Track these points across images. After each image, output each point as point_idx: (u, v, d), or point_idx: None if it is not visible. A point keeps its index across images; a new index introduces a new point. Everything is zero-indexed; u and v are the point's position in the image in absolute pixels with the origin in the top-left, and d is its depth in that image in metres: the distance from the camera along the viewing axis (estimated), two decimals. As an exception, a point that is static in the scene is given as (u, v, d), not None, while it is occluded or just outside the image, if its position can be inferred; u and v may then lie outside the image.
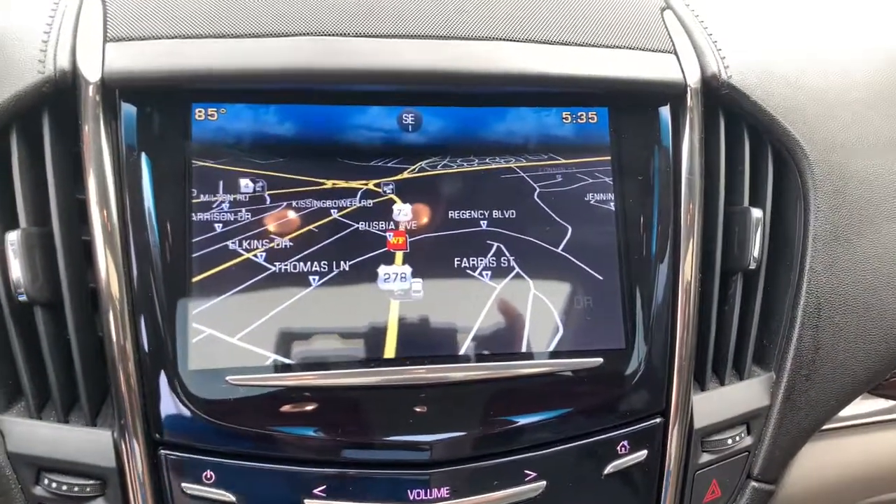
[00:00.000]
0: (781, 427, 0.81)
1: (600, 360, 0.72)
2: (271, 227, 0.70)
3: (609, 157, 0.76)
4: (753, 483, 0.82)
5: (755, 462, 0.81)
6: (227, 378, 0.66)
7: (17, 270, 0.65)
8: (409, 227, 0.72)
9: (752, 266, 0.79)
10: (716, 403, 0.78)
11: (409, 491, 0.67)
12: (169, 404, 0.66)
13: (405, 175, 0.73)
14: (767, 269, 0.81)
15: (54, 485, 0.67)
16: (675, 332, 0.75)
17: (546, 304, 0.73)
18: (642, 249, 0.75)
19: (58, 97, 0.67)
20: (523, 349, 0.71)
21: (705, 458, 0.78)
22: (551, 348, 0.71)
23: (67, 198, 0.69)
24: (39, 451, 0.67)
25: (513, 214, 0.74)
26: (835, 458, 0.90)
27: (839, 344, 0.81)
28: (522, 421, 0.70)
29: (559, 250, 0.74)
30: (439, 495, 0.68)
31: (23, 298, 0.66)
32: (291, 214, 0.71)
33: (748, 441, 0.80)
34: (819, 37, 0.91)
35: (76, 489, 0.67)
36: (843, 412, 0.89)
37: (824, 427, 0.86)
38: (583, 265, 0.74)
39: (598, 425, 0.72)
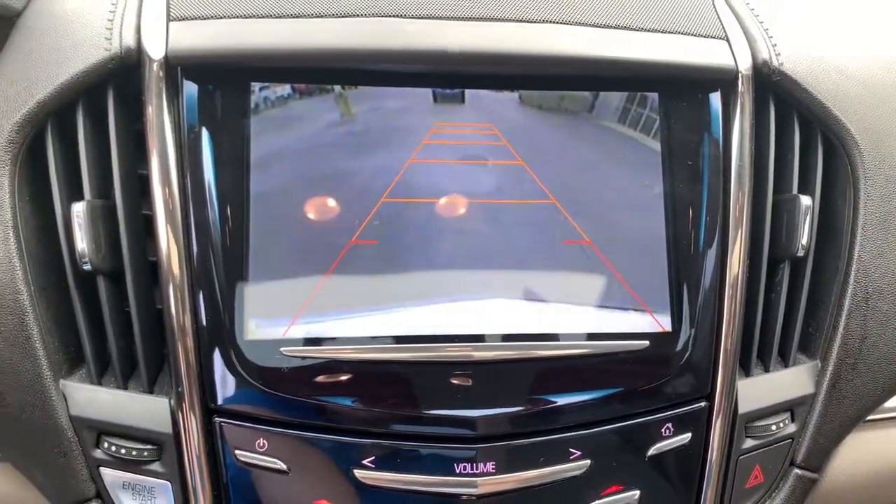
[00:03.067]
0: (826, 415, 0.80)
1: (646, 342, 0.72)
2: (328, 204, 0.71)
3: (659, 143, 0.76)
4: (797, 470, 0.82)
5: (799, 449, 0.81)
6: (282, 349, 0.68)
7: (81, 241, 0.68)
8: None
9: (800, 254, 0.79)
10: (760, 389, 0.79)
11: (455, 464, 0.69)
12: (224, 374, 0.68)
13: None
14: (815, 257, 0.81)
15: (113, 448, 0.69)
16: (721, 317, 0.75)
17: (594, 285, 0.73)
18: (690, 235, 0.75)
19: (123, 74, 0.70)
20: (570, 330, 0.72)
21: (749, 443, 0.78)
22: (598, 330, 0.72)
23: (130, 172, 0.71)
24: (100, 415, 0.69)
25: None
26: (880, 449, 0.89)
27: (886, 333, 0.80)
28: (568, 400, 0.71)
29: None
30: (485, 469, 0.69)
31: (87, 268, 0.68)
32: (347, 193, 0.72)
33: (792, 428, 0.80)
34: (869, 25, 0.90)
35: (134, 453, 0.69)
36: (890, 402, 0.89)
37: (870, 417, 0.86)
38: (631, 250, 0.74)
39: (643, 407, 0.73)
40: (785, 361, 0.81)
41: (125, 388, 0.71)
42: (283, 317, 0.69)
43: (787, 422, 0.80)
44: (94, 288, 0.70)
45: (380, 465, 0.68)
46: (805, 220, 0.78)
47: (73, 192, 0.70)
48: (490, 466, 0.69)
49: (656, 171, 0.76)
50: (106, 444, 0.69)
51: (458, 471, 0.69)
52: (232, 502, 0.69)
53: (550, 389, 0.71)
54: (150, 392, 0.71)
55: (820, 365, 0.81)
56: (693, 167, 0.76)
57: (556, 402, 0.71)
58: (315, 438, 0.68)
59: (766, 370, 0.80)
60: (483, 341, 0.70)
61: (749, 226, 0.76)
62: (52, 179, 0.69)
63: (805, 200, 0.78)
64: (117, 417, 0.69)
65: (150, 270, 0.72)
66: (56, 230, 0.70)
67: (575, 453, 0.71)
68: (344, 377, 0.68)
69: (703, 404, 0.75)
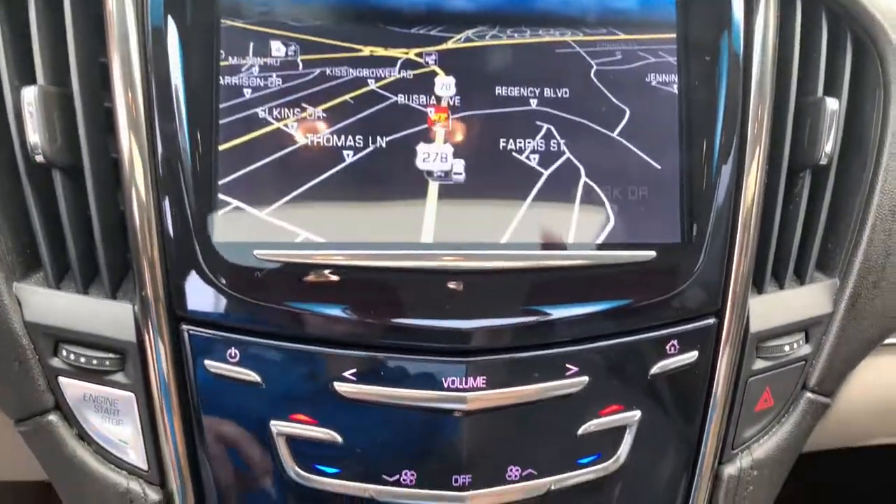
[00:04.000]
0: (843, 336, 0.75)
1: (653, 253, 0.66)
2: (303, 95, 0.65)
3: (674, 35, 0.69)
4: (808, 394, 0.77)
5: (812, 372, 0.76)
6: (255, 252, 0.62)
7: (34, 130, 0.61)
8: (451, 103, 0.66)
9: (823, 161, 0.72)
10: (774, 308, 0.73)
11: (443, 379, 0.63)
12: (192, 278, 0.62)
13: (450, 45, 0.67)
14: (838, 166, 0.74)
15: (72, 356, 0.64)
16: (735, 229, 0.69)
17: (597, 193, 0.67)
18: (706, 139, 0.68)
19: None
20: (570, 239, 0.66)
21: (759, 364, 0.73)
22: (601, 240, 0.66)
23: (89, 59, 0.64)
24: (57, 321, 0.64)
25: (566, 93, 0.68)
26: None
27: (913, 249, 0.74)
28: (566, 313, 0.65)
29: (615, 135, 0.68)
30: (475, 384, 0.64)
31: (40, 159, 0.62)
32: (325, 83, 0.66)
33: (806, 350, 0.75)
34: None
35: (94, 362, 0.64)
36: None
37: (888, 341, 0.81)
38: (640, 152, 0.68)
39: (647, 323, 0.67)
40: (801, 279, 0.76)
41: (85, 292, 0.65)
42: (257, 217, 0.63)
43: (800, 343, 0.74)
44: (50, 183, 0.64)
45: (361, 379, 0.63)
46: (830, 124, 0.72)
47: (25, 75, 0.64)
48: (480, 381, 0.64)
49: (671, 68, 0.69)
50: (64, 353, 0.64)
51: (445, 385, 0.64)
52: (201, 417, 0.64)
53: (548, 301, 0.65)
54: (113, 297, 0.65)
55: (839, 283, 0.75)
56: (711, 64, 0.69)
57: (553, 315, 0.65)
58: (291, 349, 0.63)
59: (781, 287, 0.75)
60: (472, 249, 0.64)
61: (769, 131, 0.70)
62: (0, 60, 0.63)
63: (831, 104, 0.71)
64: (76, 324, 0.64)
65: (114, 168, 0.66)
66: (6, 118, 0.63)
67: (572, 369, 0.66)
68: (322, 283, 0.63)
69: (711, 321, 0.69)
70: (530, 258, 0.65)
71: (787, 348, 0.73)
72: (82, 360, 0.64)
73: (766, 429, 0.76)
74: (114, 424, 0.66)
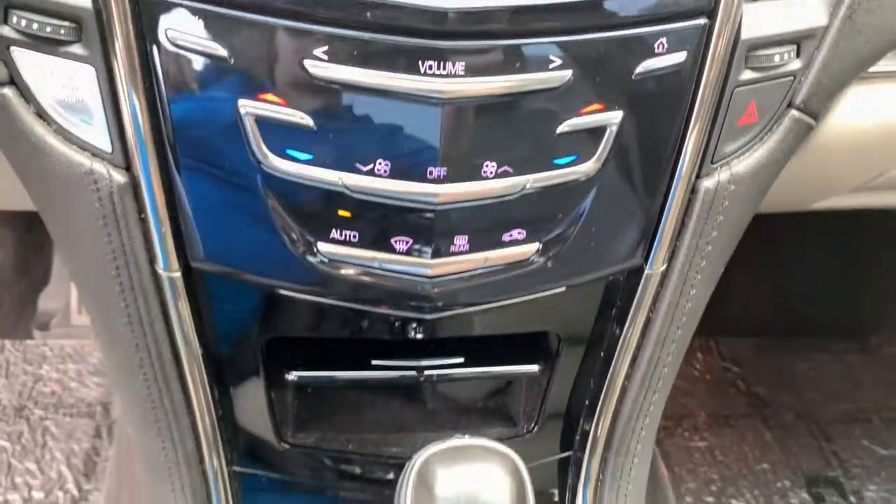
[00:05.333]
0: (835, 51, 0.72)
1: None
2: None
3: None
4: (794, 112, 0.75)
5: (799, 89, 0.74)
6: None
7: None
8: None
9: None
10: (768, 16, 0.69)
11: (421, 62, 0.60)
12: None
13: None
14: None
15: (24, 23, 0.59)
16: None
17: None
18: None
19: None
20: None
21: (747, 75, 0.70)
22: None
23: None
24: (5, -16, 0.59)
25: None
26: (885, 106, 0.83)
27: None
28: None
29: None
30: (454, 71, 0.61)
31: None
32: None
33: (797, 64, 0.72)
34: None
35: (49, 30, 0.59)
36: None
37: (879, 68, 0.78)
38: None
39: (637, 17, 0.64)
40: None
41: None
42: None
43: (791, 55, 0.71)
44: None
45: (333, 58, 0.60)
46: None
47: None
48: (460, 67, 0.61)
49: None
50: (15, 19, 0.60)
51: (423, 70, 0.61)
52: (164, 92, 0.62)
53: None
54: (65, -39, 0.60)
55: None
56: None
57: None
58: (260, 21, 0.59)
59: None
60: None
61: None
62: None
63: None
64: None
65: None
66: None
67: (556, 62, 0.63)
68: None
69: (702, 21, 0.66)
70: None
71: (777, 58, 0.70)
72: (35, 26, 0.59)
73: (748, 145, 0.75)
74: (74, 101, 0.63)
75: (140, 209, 0.68)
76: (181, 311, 0.76)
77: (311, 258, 0.70)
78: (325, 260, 0.70)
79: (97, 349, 1.91)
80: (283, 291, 0.75)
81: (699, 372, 2.08)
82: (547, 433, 0.93)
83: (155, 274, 0.73)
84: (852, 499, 1.76)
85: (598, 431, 0.90)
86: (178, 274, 0.73)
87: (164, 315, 0.76)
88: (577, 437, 0.93)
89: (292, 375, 0.84)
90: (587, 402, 0.90)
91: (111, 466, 1.58)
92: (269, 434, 0.87)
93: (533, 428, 0.92)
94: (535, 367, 0.86)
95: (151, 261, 0.72)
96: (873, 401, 1.96)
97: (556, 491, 0.98)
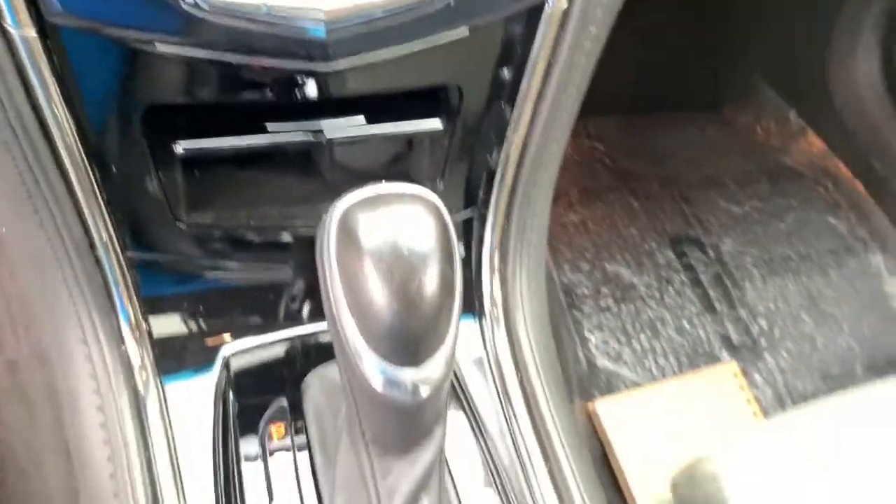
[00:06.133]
0: None
1: None
2: None
3: None
4: None
5: None
6: None
7: None
8: None
9: None
10: None
11: None
12: None
13: None
14: None
15: None
16: None
17: None
18: None
19: None
20: None
21: None
22: None
23: None
24: None
25: None
26: None
27: None
28: None
29: None
30: None
31: None
32: None
33: None
34: None
35: None
36: None
37: None
38: None
39: None
40: None
41: None
42: None
43: None
44: None
45: None
46: None
47: None
48: None
49: None
50: None
51: None
52: None
53: None
54: None
55: None
56: None
57: None
58: None
59: None
60: None
61: None
62: None
63: None
64: None
65: None
66: None
67: None
68: None
69: None
70: None
71: None
72: None
73: None
74: None
75: None
76: (44, 78, 0.67)
77: (187, 6, 0.62)
78: (205, 7, 0.63)
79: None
80: (158, 47, 0.67)
81: (569, 153, 2.14)
82: (450, 194, 0.93)
83: (4, 33, 0.63)
84: (710, 252, 1.94)
85: (501, 189, 0.91)
86: (32, 33, 0.64)
87: (23, 84, 0.67)
88: (480, 195, 0.93)
89: (179, 147, 0.77)
90: (489, 158, 0.90)
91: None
92: (164, 215, 0.81)
93: (437, 188, 0.92)
94: (437, 122, 0.84)
95: None
96: (728, 166, 2.11)
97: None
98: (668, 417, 1.63)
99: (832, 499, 0.98)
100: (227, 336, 0.88)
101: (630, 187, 2.05)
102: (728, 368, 1.75)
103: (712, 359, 1.80)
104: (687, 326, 1.84)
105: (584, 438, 1.54)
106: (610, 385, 1.74)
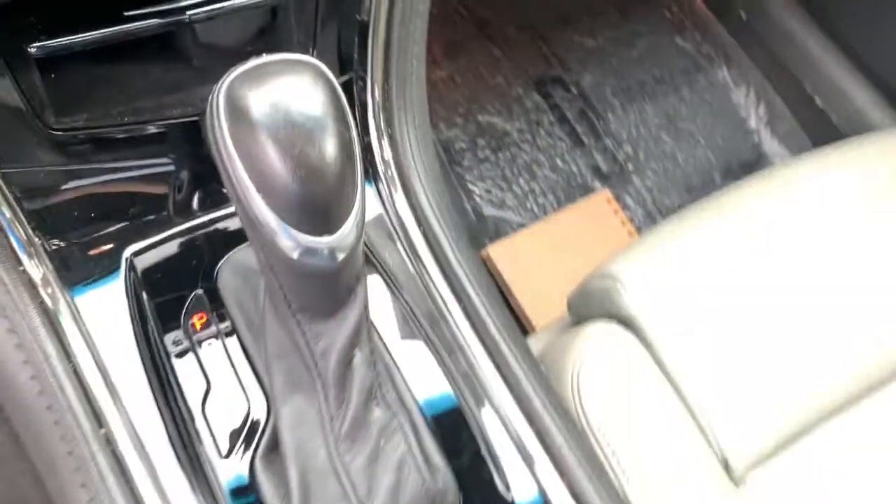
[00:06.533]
0: None
1: None
2: None
3: None
4: None
5: None
6: None
7: None
8: None
9: None
10: None
11: None
12: None
13: None
14: None
15: None
16: None
17: None
18: None
19: None
20: None
21: None
22: None
23: None
24: None
25: None
26: None
27: None
28: None
29: None
30: None
31: None
32: None
33: None
34: None
35: None
36: None
37: None
38: None
39: None
40: None
41: None
42: None
43: None
44: None
45: None
46: None
47: None
48: None
49: None
50: None
51: None
52: None
53: None
54: None
55: None
56: None
57: None
58: None
59: None
60: None
61: None
62: None
63: None
64: None
65: None
66: None
67: None
68: None
69: None
70: None
71: None
72: None
73: None
74: None
75: None
76: None
77: None
78: None
79: None
80: None
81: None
82: (325, 60, 0.92)
83: None
84: (573, 89, 2.00)
85: (376, 46, 0.91)
86: None
87: None
88: (356, 57, 0.93)
89: (33, 48, 0.73)
90: (358, 16, 0.89)
91: None
92: (32, 124, 0.77)
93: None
94: None
95: None
96: (581, 1, 2.15)
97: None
98: (555, 250, 1.73)
99: (728, 287, 1.09)
100: (124, 238, 0.87)
101: (489, 34, 2.06)
102: (601, 196, 1.87)
103: (587, 190, 1.90)
104: (560, 164, 1.92)
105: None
106: (498, 231, 1.82)
